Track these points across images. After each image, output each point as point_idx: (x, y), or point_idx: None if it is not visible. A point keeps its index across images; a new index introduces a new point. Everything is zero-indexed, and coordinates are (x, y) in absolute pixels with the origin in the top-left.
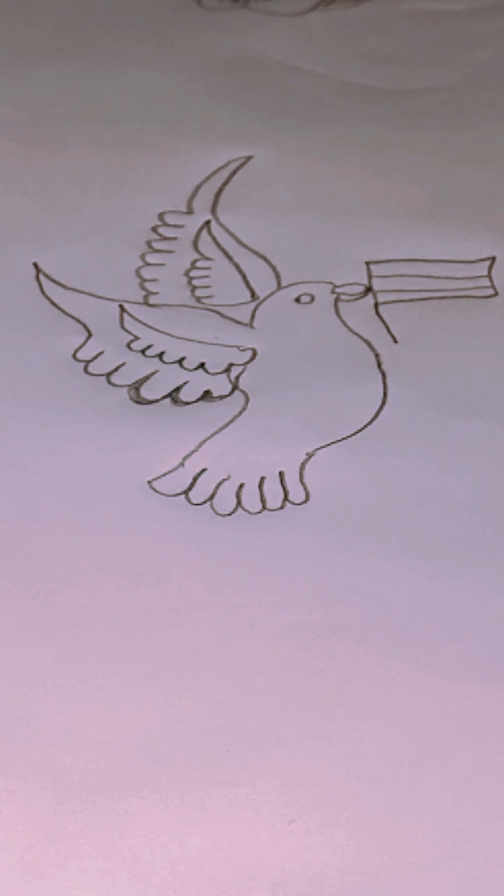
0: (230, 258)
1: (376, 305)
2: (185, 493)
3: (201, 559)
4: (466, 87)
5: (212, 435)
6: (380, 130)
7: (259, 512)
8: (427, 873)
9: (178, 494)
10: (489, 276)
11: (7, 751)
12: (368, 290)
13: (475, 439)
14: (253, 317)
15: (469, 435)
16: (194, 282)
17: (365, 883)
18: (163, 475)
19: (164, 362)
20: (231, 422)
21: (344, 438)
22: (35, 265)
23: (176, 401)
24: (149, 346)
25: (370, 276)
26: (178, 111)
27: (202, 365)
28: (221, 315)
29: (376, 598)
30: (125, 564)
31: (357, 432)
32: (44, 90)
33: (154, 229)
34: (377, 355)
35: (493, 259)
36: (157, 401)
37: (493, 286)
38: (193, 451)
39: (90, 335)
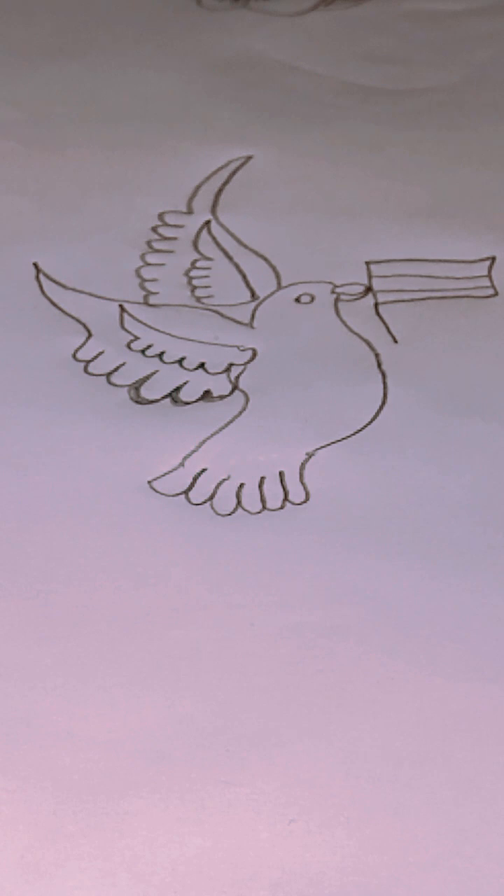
0: (230, 258)
1: (376, 305)
2: (185, 493)
3: (201, 559)
4: (466, 87)
5: (212, 435)
6: (380, 130)
7: (259, 512)
8: (427, 873)
9: (178, 494)
10: (489, 276)
11: (7, 751)
12: (368, 290)
13: (475, 439)
14: (253, 317)
15: (469, 435)
16: (194, 282)
17: (365, 883)
18: (163, 475)
19: (164, 362)
20: (231, 422)
21: (344, 438)
22: (35, 265)
23: (176, 401)
24: (149, 346)
25: (370, 276)
26: (178, 111)
27: (202, 365)
28: (221, 315)
29: (376, 598)
30: (125, 564)
31: (357, 432)
32: (44, 90)
33: (154, 229)
34: (377, 355)
35: (493, 259)
36: (157, 401)
37: (493, 286)
38: (193, 451)
39: (90, 335)
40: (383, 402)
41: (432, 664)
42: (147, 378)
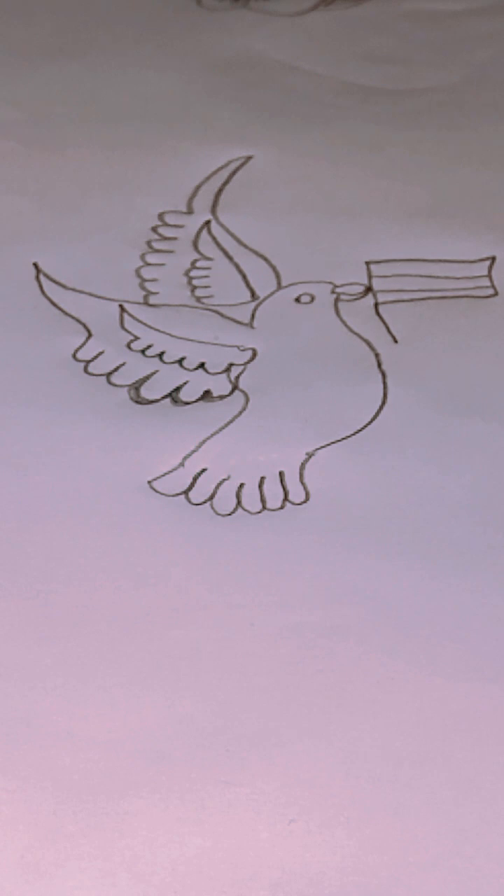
0: (230, 258)
1: (376, 305)
2: (185, 493)
3: (201, 559)
4: (466, 87)
5: (212, 435)
6: (380, 130)
7: (259, 512)
8: (427, 873)
9: (178, 494)
10: (489, 276)
11: (7, 751)
12: (368, 290)
13: (475, 439)
14: (253, 317)
15: (469, 435)
16: (194, 282)
17: (365, 883)
18: (163, 475)
19: (164, 362)
20: (231, 422)
21: (344, 438)
22: (35, 265)
23: (176, 401)
24: (149, 346)
25: (370, 276)
26: (178, 111)
27: (202, 365)
28: (221, 315)
29: (376, 598)
30: (125, 564)
31: (357, 432)
32: (44, 90)
33: (154, 229)
34: (377, 355)
35: (493, 259)
36: (157, 401)
37: (493, 286)
38: (193, 451)
39: (90, 335)
40: (383, 402)
41: (432, 664)
42: (147, 378)
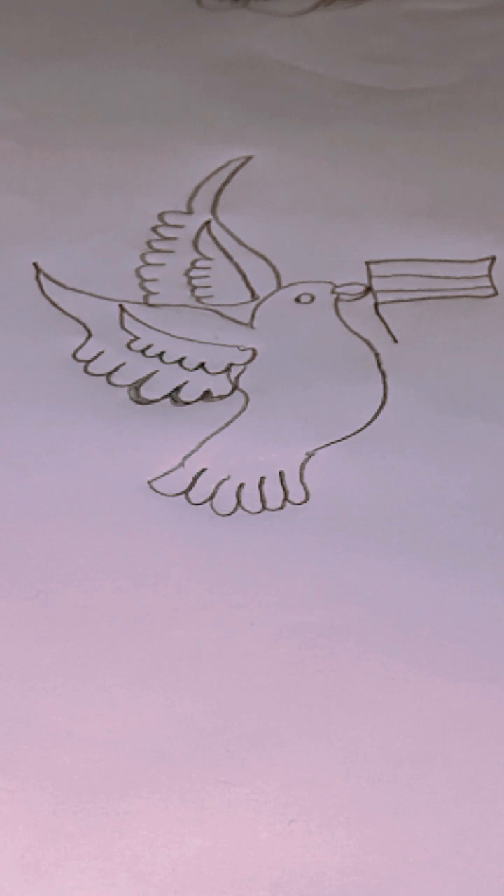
0: (230, 258)
1: (376, 305)
2: (185, 493)
3: (201, 559)
4: (466, 87)
5: (212, 435)
6: (380, 130)
7: (259, 512)
8: (427, 873)
9: (178, 494)
10: (489, 276)
11: (7, 751)
12: (368, 290)
13: (475, 439)
14: (253, 317)
15: (469, 435)
16: (194, 282)
17: (365, 883)
18: (163, 475)
19: (164, 362)
20: (231, 422)
21: (344, 438)
22: (35, 265)
23: (176, 401)
24: (149, 346)
25: (370, 276)
26: (178, 111)
27: (202, 365)
28: (221, 315)
29: (376, 598)
30: (125, 564)
31: (357, 432)
32: (44, 90)
33: (154, 229)
34: (377, 355)
35: (493, 259)
36: (157, 401)
37: (493, 286)
38: (193, 451)
39: (90, 335)
40: (383, 402)
41: (432, 664)
42: (147, 378)
